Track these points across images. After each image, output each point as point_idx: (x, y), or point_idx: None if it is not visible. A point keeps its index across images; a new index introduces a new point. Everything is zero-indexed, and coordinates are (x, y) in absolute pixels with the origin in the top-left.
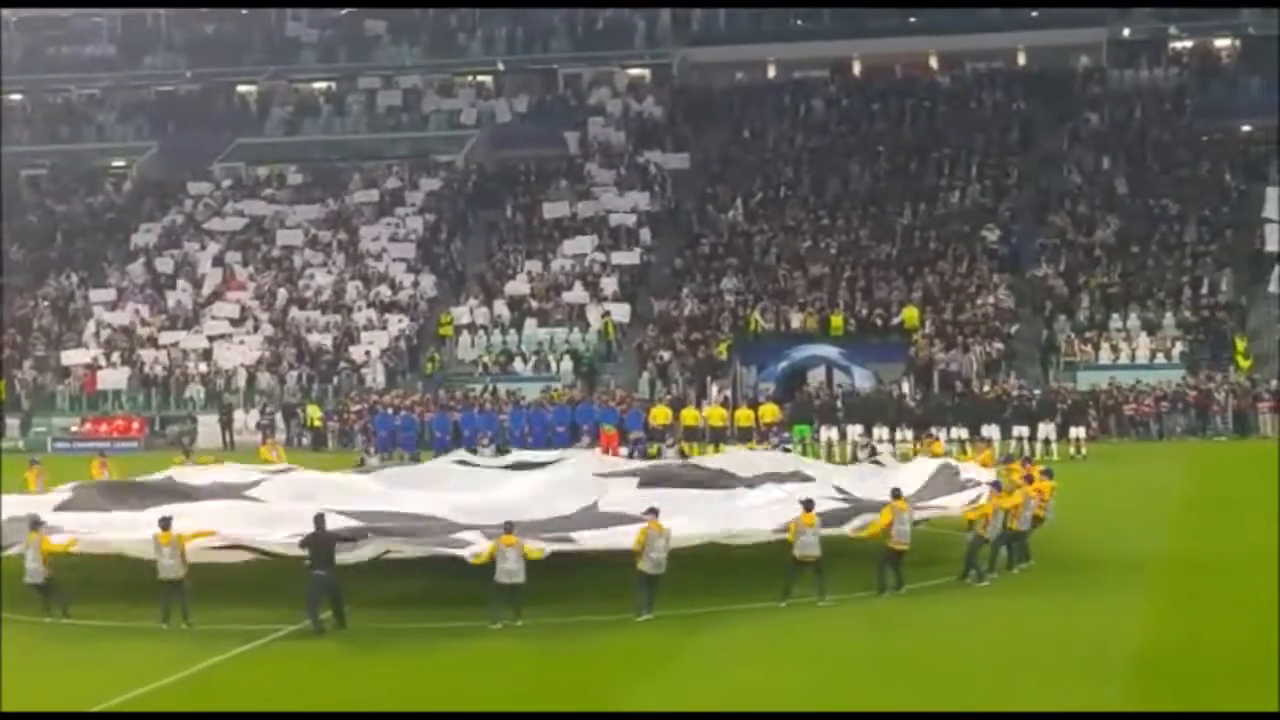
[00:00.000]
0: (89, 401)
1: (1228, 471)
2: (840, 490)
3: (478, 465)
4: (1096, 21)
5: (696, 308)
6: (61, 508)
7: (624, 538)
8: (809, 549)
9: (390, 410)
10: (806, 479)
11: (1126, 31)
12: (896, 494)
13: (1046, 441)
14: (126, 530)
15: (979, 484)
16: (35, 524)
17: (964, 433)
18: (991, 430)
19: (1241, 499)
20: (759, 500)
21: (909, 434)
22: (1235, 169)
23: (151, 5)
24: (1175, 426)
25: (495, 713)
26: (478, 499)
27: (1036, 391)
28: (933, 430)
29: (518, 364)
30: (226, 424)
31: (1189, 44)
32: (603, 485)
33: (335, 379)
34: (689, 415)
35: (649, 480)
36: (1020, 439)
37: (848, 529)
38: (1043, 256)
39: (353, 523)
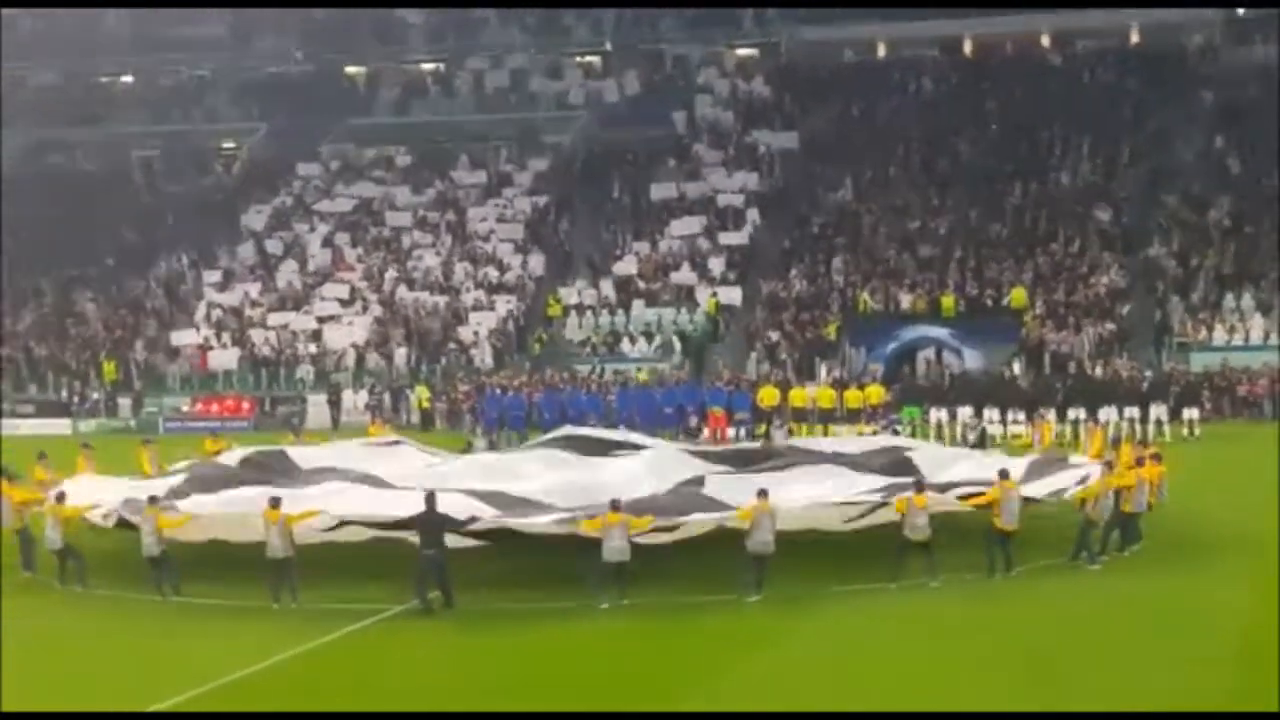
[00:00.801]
0: (200, 382)
1: None
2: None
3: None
4: None
5: (805, 288)
6: (174, 491)
7: (732, 518)
8: (919, 530)
9: (498, 391)
10: (911, 461)
11: (1240, 10)
12: (1004, 474)
13: (1159, 422)
14: (237, 510)
15: (1086, 466)
16: (152, 499)
17: (1075, 414)
18: (1104, 412)
19: None
20: (868, 483)
21: (1020, 415)
22: None
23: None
24: None
25: (496, 712)
26: (582, 481)
27: (1149, 372)
28: (1043, 412)
29: (625, 345)
30: (335, 404)
31: None
32: (708, 467)
33: (443, 359)
34: (797, 396)
35: (755, 462)
36: (1132, 420)
37: (952, 495)
38: (1155, 236)
39: (470, 501)
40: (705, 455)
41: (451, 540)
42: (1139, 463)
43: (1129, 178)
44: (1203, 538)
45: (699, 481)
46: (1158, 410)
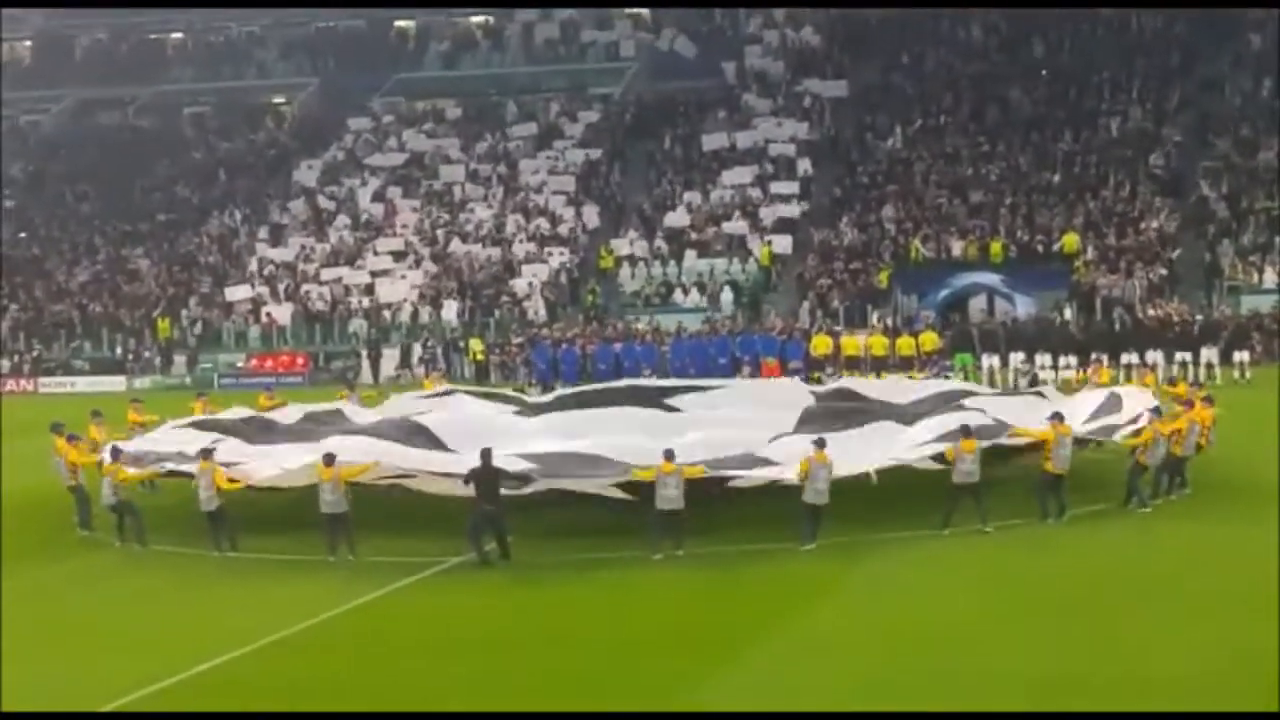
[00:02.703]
0: (254, 337)
1: None
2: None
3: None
4: None
5: (856, 237)
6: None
7: (786, 470)
8: (968, 476)
9: (550, 343)
10: (965, 406)
11: None
12: (1059, 418)
13: (1209, 366)
14: (292, 461)
15: (1140, 410)
16: (207, 453)
17: (1129, 358)
18: (1155, 355)
19: None
20: (921, 432)
21: (1072, 360)
22: None
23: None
24: None
25: (496, 713)
26: (639, 438)
27: (1199, 316)
28: (1096, 356)
29: (678, 295)
30: (375, 360)
31: None
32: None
33: (497, 312)
34: (850, 344)
35: (810, 418)
36: (1184, 363)
37: (1004, 436)
38: (1205, 180)
39: (522, 464)
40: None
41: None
42: (1188, 405)
43: (1178, 122)
44: (1255, 482)
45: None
46: (1209, 354)
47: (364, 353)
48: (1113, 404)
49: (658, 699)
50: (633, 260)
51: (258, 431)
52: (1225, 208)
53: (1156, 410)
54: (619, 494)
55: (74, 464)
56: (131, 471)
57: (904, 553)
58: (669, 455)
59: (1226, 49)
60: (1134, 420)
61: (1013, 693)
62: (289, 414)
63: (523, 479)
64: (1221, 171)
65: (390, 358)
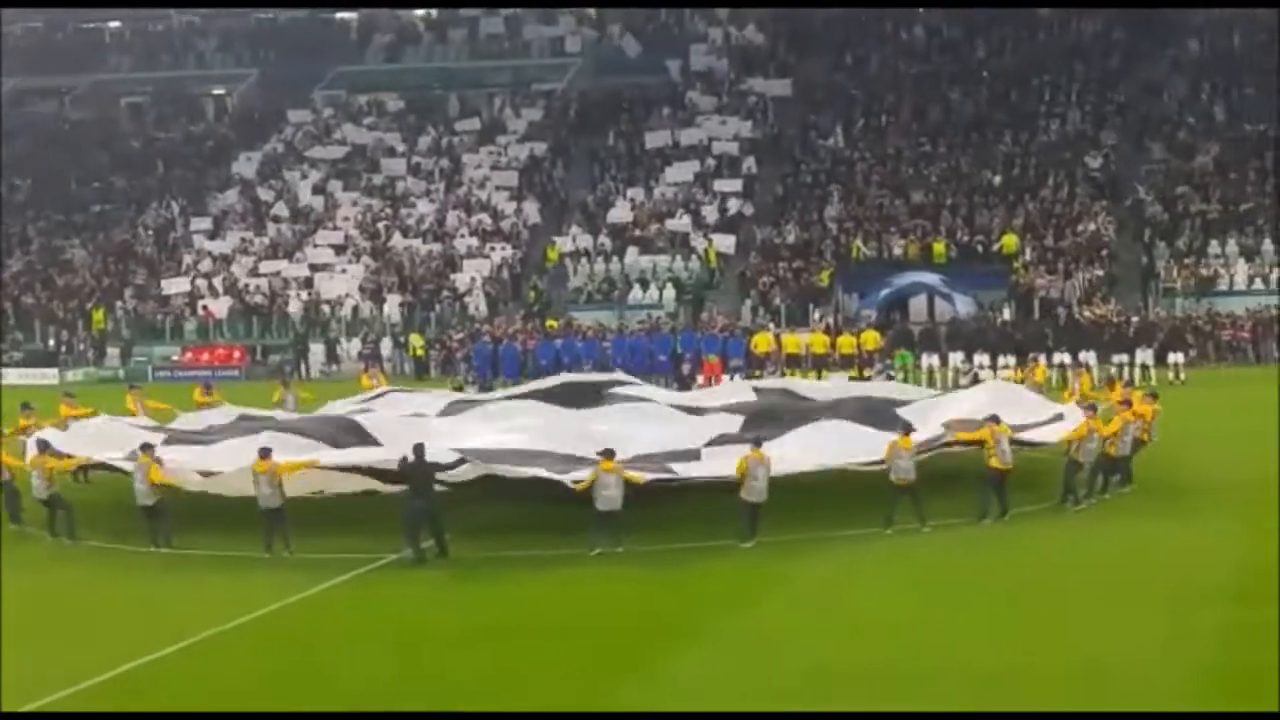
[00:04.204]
0: (190, 330)
1: None
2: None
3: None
4: None
5: (799, 235)
6: (166, 440)
7: (725, 467)
8: (906, 474)
9: (489, 340)
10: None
11: None
12: (995, 420)
13: (1145, 367)
14: (228, 462)
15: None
16: (146, 447)
17: (1064, 359)
18: (1090, 356)
19: None
20: (863, 442)
21: (1010, 360)
22: None
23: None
24: (1273, 351)
25: (495, 713)
26: (577, 431)
27: (1135, 318)
28: (1035, 355)
29: (620, 292)
30: (303, 354)
31: None
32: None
33: (437, 307)
34: (791, 343)
35: (753, 418)
36: (1120, 364)
37: (945, 434)
38: (1143, 183)
39: (456, 456)
40: (699, 411)
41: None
42: (1126, 404)
43: (1117, 125)
44: (1188, 482)
45: (695, 454)
46: (1144, 355)
47: (299, 347)
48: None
49: (596, 694)
50: (575, 256)
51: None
52: (1162, 210)
53: (1092, 408)
54: (551, 475)
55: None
56: (57, 462)
57: (844, 552)
58: (608, 454)
59: (1165, 54)
60: (1057, 417)
61: (952, 685)
62: (224, 414)
63: (456, 466)
64: (1159, 175)
65: (320, 353)
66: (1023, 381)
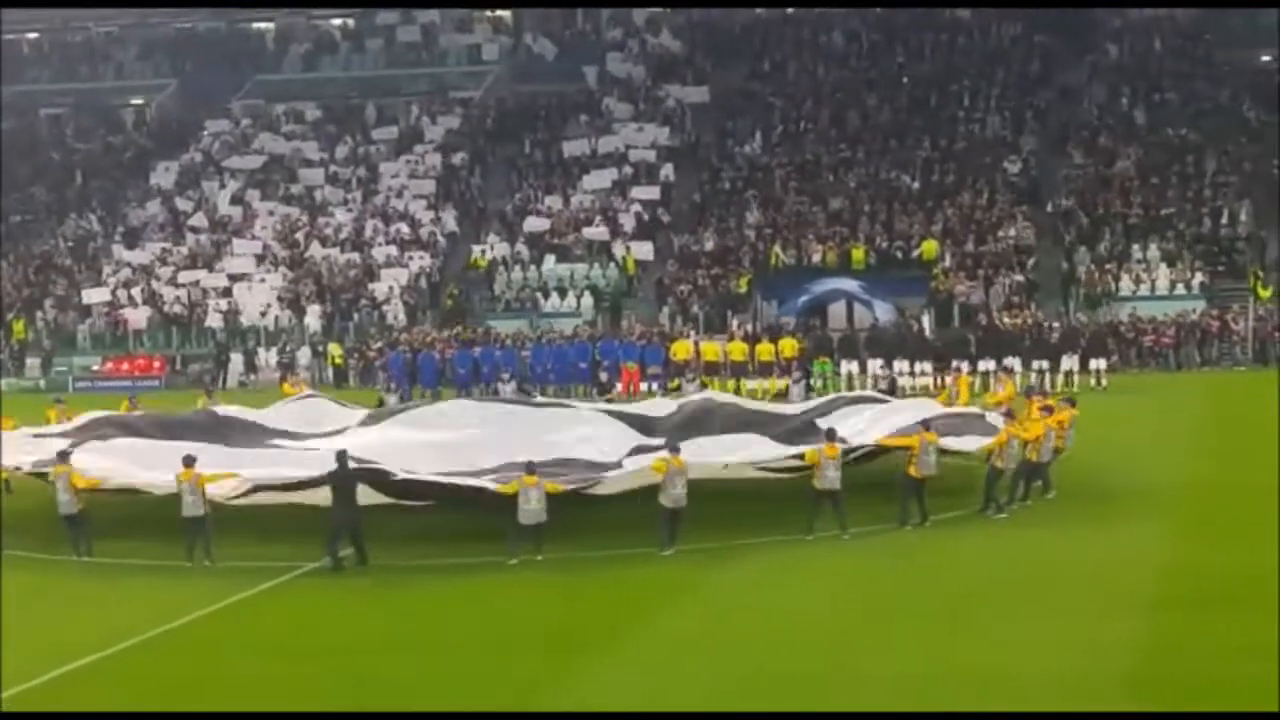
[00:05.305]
0: (111, 341)
1: (1247, 400)
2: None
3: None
4: None
5: (717, 242)
6: (87, 446)
7: (644, 473)
8: (831, 482)
9: (406, 349)
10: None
11: None
12: (926, 426)
13: (1068, 373)
14: (152, 468)
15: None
16: (64, 456)
17: (986, 365)
18: (1012, 362)
19: (1261, 427)
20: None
21: (928, 367)
22: (1255, 99)
23: (148, 5)
24: (1194, 357)
25: (495, 713)
26: (497, 440)
27: (1057, 324)
28: (958, 365)
29: (538, 300)
30: (223, 364)
31: None
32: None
33: (356, 316)
34: (709, 350)
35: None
36: (1041, 371)
37: (873, 437)
38: (1063, 188)
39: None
40: (622, 417)
41: (364, 497)
42: (1047, 411)
43: (1037, 130)
44: (1109, 488)
45: (617, 465)
46: (1068, 361)
47: (220, 357)
48: (979, 419)
49: (520, 699)
50: (493, 264)
51: (117, 430)
52: (1082, 216)
53: (1009, 414)
54: (477, 483)
55: None
56: None
57: (765, 558)
58: (530, 468)
59: (1084, 59)
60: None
61: (870, 690)
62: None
63: (379, 476)
64: (1079, 180)
65: (238, 363)
66: (945, 395)
